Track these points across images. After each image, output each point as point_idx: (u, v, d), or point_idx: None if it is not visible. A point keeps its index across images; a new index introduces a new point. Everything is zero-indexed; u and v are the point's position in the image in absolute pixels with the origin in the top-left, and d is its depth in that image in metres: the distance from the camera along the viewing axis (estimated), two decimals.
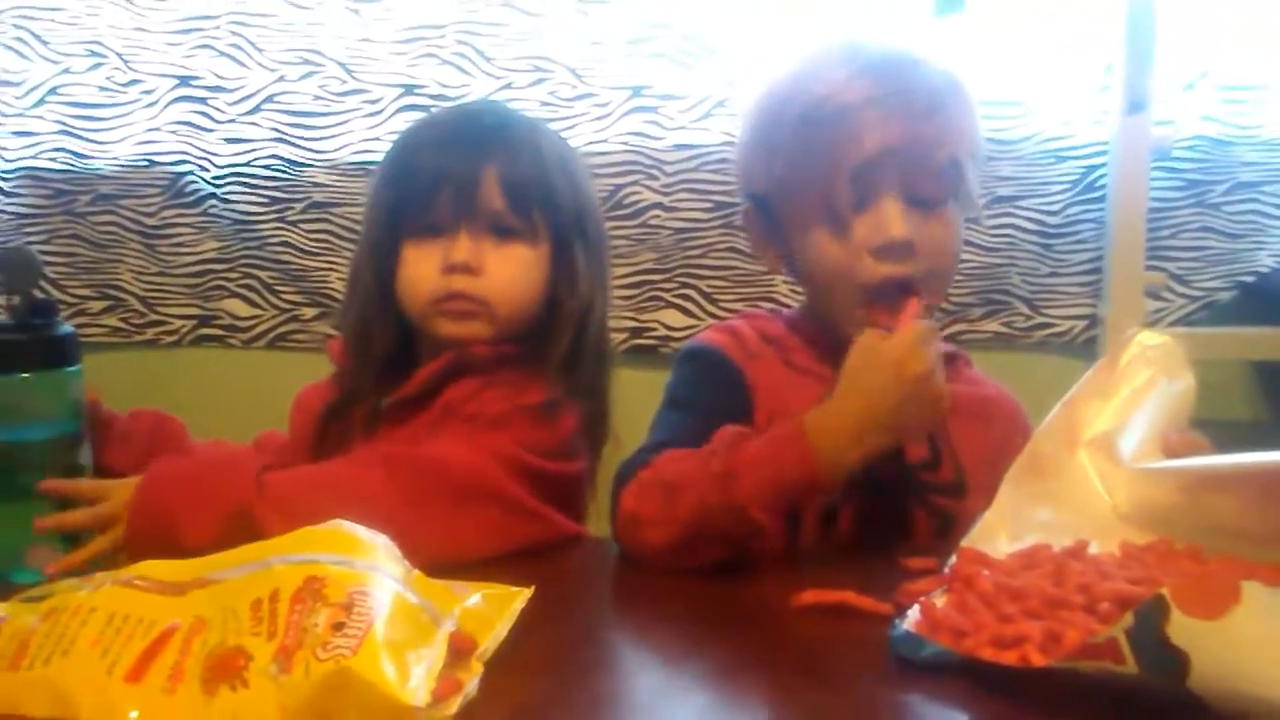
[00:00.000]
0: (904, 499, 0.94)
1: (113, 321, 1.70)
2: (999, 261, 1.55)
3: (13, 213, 1.67)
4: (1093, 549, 0.72)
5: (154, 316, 1.70)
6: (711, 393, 0.96)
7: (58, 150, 1.67)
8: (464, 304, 0.94)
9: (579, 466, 0.96)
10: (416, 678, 0.50)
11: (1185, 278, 1.50)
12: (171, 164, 1.65)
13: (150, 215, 1.67)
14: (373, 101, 1.61)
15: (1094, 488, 0.78)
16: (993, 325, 1.58)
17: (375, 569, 0.56)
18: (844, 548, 0.90)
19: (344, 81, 1.61)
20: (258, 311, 1.67)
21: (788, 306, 1.34)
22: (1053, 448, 0.80)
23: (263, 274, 1.66)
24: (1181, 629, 0.50)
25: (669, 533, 0.80)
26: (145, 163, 1.66)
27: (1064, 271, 1.54)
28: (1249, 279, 1.49)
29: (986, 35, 1.48)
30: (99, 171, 1.66)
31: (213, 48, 1.63)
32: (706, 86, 1.55)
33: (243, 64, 1.63)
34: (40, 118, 1.66)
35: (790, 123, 0.92)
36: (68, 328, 0.83)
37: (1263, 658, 0.49)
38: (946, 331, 1.57)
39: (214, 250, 1.67)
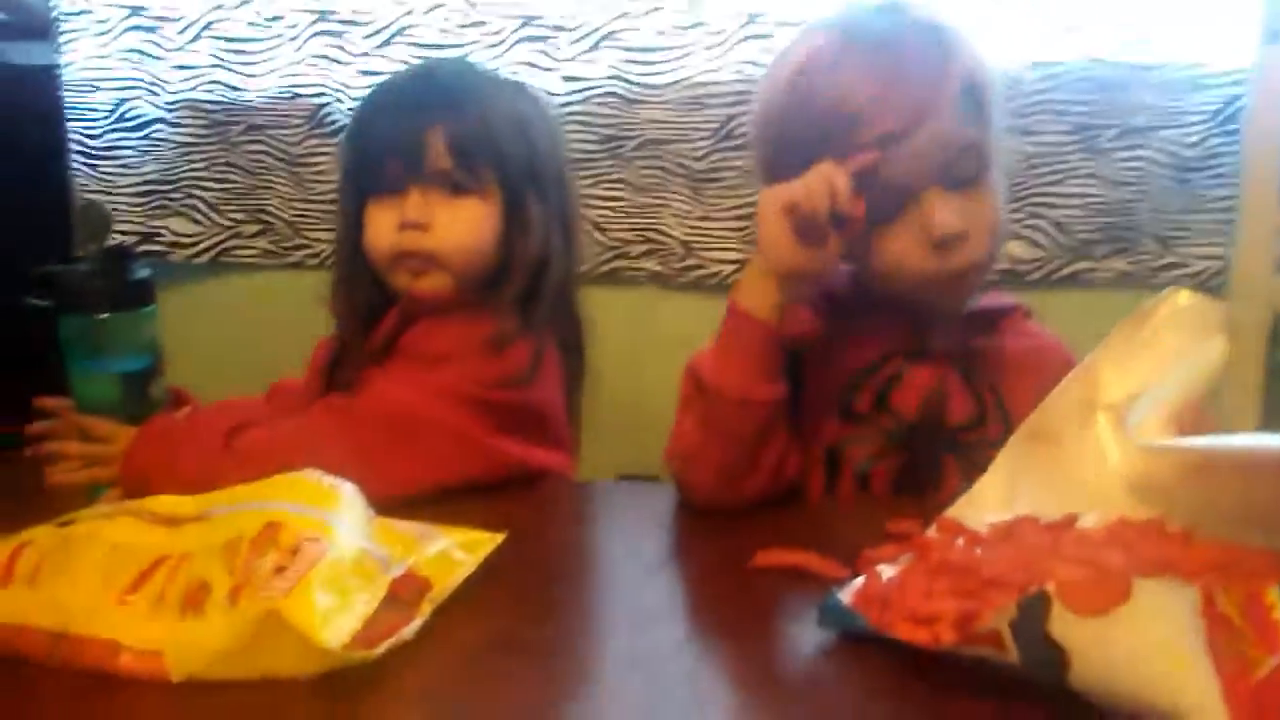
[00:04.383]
0: (944, 459, 0.94)
1: (263, 244, 1.83)
2: (1127, 197, 1.46)
3: (176, 142, 1.82)
4: (1088, 521, 0.70)
5: (300, 240, 1.81)
6: None
7: (213, 83, 1.79)
8: (417, 261, 0.99)
9: (538, 396, 0.99)
10: (341, 622, 0.56)
11: None
12: (312, 96, 1.75)
13: (294, 145, 1.77)
14: (494, 33, 1.65)
15: (1105, 457, 0.75)
16: (1118, 264, 1.50)
17: (333, 516, 0.62)
18: (878, 505, 0.91)
19: (466, 15, 1.65)
20: None
21: None
22: (1066, 412, 0.77)
23: None
24: (1062, 624, 0.49)
25: (680, 443, 0.87)
26: (289, 95, 1.76)
27: (1201, 208, 1.45)
28: None
29: None
30: (249, 103, 1.78)
31: None
32: (823, 9, 1.51)
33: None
34: (197, 52, 1.78)
35: (803, 126, 0.91)
36: (144, 272, 0.92)
37: (1142, 658, 0.48)
38: (1068, 269, 1.51)
39: None
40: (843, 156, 0.87)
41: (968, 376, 0.95)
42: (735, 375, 0.85)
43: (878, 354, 0.95)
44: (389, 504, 0.72)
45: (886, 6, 0.94)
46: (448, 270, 0.98)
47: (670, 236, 1.63)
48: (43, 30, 1.77)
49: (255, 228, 1.83)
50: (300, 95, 1.76)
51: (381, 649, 0.57)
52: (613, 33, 1.60)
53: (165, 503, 0.67)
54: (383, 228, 0.99)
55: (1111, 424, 0.77)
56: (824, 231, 0.84)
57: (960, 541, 0.69)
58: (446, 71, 1.09)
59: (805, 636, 0.62)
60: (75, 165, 1.81)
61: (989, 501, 0.74)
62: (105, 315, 0.89)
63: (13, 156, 1.70)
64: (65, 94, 1.80)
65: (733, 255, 1.60)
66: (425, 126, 0.97)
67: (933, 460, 0.94)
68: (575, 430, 1.09)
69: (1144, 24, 1.43)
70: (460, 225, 0.98)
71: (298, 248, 1.82)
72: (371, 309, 1.02)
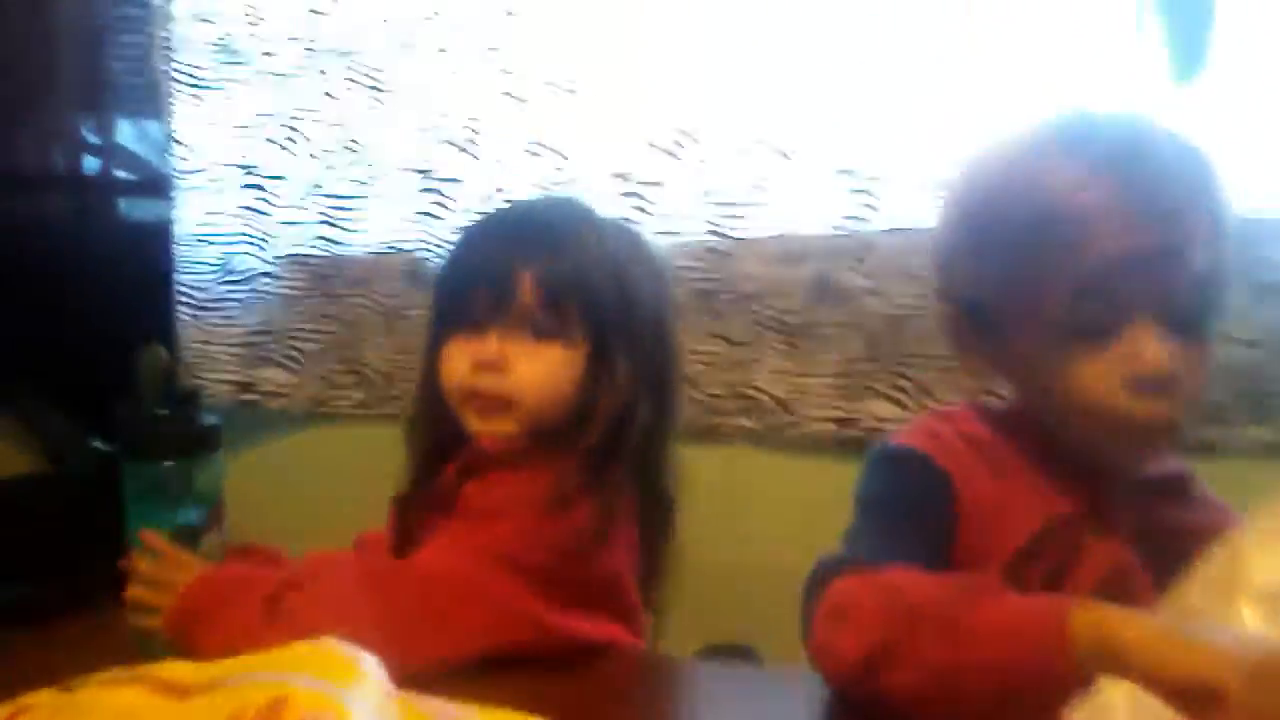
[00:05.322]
0: None
1: (359, 395, 1.83)
2: (1266, 357, 1.35)
3: (279, 294, 1.85)
4: None
5: (394, 392, 1.80)
6: (914, 502, 0.87)
7: (318, 238, 1.83)
8: (488, 403, 0.94)
9: (602, 562, 0.91)
10: None
11: None
12: (411, 250, 1.76)
13: (392, 298, 1.78)
14: (588, 189, 1.64)
15: None
16: (1259, 432, 1.37)
17: (346, 693, 0.55)
18: None
19: (560, 171, 1.66)
20: None
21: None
22: (1205, 600, 0.67)
23: None
24: None
25: (875, 639, 0.70)
26: (389, 250, 1.78)
27: None
28: None
29: (1235, 97, 1.31)
30: (351, 257, 1.81)
31: (450, 143, 1.74)
32: (925, 164, 1.47)
33: (475, 157, 1.72)
34: (304, 208, 1.83)
35: (1013, 226, 0.81)
36: (212, 418, 0.89)
37: None
38: (1202, 436, 1.39)
39: None
40: (1059, 265, 0.78)
41: (1148, 554, 0.83)
42: (989, 686, 0.66)
43: (1043, 521, 0.82)
44: (427, 675, 0.67)
45: (1130, 115, 0.86)
46: (518, 416, 0.93)
47: (765, 393, 1.56)
48: (160, 187, 1.85)
49: (351, 379, 1.83)
50: (400, 250, 1.78)
51: None
52: (706, 188, 1.58)
53: (177, 670, 0.61)
54: (458, 365, 0.95)
55: (1262, 620, 0.66)
56: None
57: None
58: (546, 209, 1.07)
59: None
60: (181, 317, 1.85)
61: (1116, 710, 0.63)
62: (169, 462, 0.86)
63: (123, 309, 1.74)
64: (177, 248, 1.86)
65: (831, 413, 1.52)
66: (514, 264, 0.93)
67: None
68: (656, 600, 1.01)
69: (1275, 175, 1.34)
70: (540, 370, 0.93)
71: (392, 399, 1.80)
72: (444, 451, 0.97)
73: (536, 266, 0.93)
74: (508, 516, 0.88)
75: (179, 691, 0.59)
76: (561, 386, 0.94)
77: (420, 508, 0.97)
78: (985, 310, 0.86)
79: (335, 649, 0.59)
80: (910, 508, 0.86)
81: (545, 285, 0.93)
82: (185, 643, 0.80)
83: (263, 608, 0.83)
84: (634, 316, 0.96)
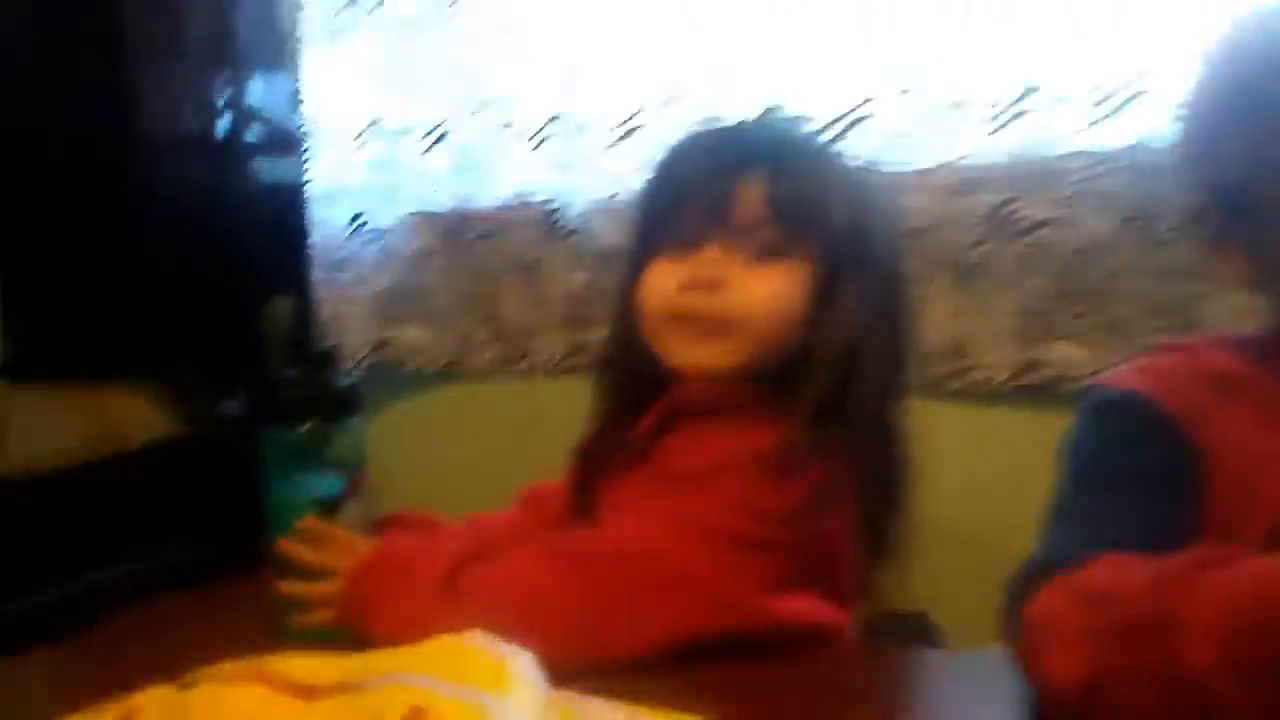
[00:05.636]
0: None
1: (495, 352, 1.75)
2: None
3: (411, 251, 1.78)
4: None
5: (531, 347, 1.72)
6: (1131, 460, 0.72)
7: (447, 191, 1.75)
8: (701, 324, 0.81)
9: (824, 535, 0.78)
10: None
11: None
12: (543, 201, 1.67)
13: (526, 250, 1.70)
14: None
15: None
16: None
17: (493, 701, 0.46)
18: None
19: (705, 109, 1.53)
20: None
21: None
22: None
23: None
24: None
25: (1084, 661, 0.58)
26: (520, 201, 1.69)
27: None
28: None
29: None
30: (484, 210, 1.72)
31: (584, 87, 1.63)
32: (1104, 79, 1.30)
33: (609, 101, 1.61)
34: (432, 161, 1.75)
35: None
36: (349, 379, 0.81)
37: None
38: None
39: (583, 282, 1.66)
40: None
41: None
42: (1234, 681, 0.53)
43: None
44: (621, 666, 0.63)
45: None
46: (738, 340, 0.80)
47: (934, 337, 1.42)
48: (290, 144, 1.80)
49: (486, 335, 1.76)
50: (531, 201, 1.69)
51: None
52: (863, 117, 1.44)
53: (304, 666, 0.53)
54: (663, 284, 0.83)
55: None
56: None
57: None
58: (770, 122, 0.97)
59: None
60: (316, 276, 1.81)
61: None
62: (306, 426, 0.78)
63: (258, 270, 1.71)
64: (309, 206, 1.81)
65: (1010, 358, 1.37)
66: (740, 175, 0.82)
67: None
68: (878, 579, 0.86)
69: None
70: (762, 290, 0.81)
71: (529, 354, 1.73)
72: (640, 397, 0.85)
73: (764, 176, 0.81)
74: (719, 480, 0.76)
75: (305, 692, 0.51)
76: (786, 311, 0.80)
77: (606, 460, 0.85)
78: (1247, 200, 0.70)
79: (483, 648, 0.50)
80: (1126, 467, 0.71)
81: (774, 197, 0.80)
82: (357, 630, 0.71)
83: (439, 587, 0.73)
84: (866, 246, 0.83)
